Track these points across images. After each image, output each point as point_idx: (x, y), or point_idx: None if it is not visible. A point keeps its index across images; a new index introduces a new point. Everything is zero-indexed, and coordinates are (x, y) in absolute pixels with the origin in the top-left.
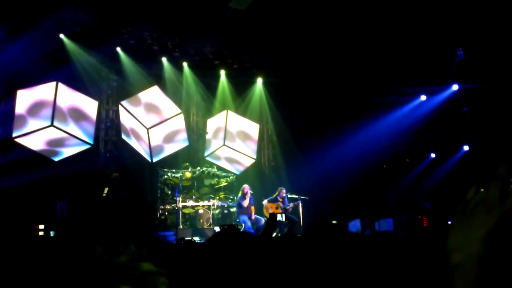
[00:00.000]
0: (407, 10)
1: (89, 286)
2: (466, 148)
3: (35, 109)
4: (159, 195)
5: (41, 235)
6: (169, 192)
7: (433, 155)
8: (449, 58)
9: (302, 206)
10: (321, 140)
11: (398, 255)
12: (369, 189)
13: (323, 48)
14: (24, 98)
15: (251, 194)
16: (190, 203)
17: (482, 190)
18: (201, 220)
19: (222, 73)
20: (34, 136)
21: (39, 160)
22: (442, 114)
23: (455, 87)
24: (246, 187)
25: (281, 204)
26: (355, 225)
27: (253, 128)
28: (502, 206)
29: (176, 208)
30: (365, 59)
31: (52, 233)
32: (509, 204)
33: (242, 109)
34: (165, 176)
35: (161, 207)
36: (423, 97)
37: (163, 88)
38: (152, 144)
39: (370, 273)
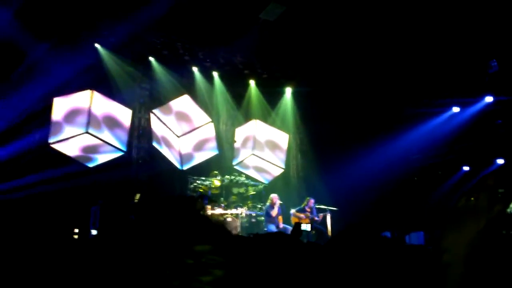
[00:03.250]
0: (442, 22)
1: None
2: (500, 161)
3: (71, 116)
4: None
5: (75, 238)
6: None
7: (466, 168)
8: (483, 69)
9: (330, 217)
10: (350, 151)
11: (426, 268)
12: (399, 202)
13: (354, 58)
14: (61, 106)
15: (280, 204)
16: (219, 211)
17: (472, 199)
18: (229, 228)
19: (252, 82)
20: (69, 143)
21: (74, 166)
22: (476, 126)
23: (489, 98)
24: (275, 197)
25: (309, 214)
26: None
27: (282, 138)
28: (489, 214)
29: (204, 215)
30: (398, 70)
31: (94, 232)
32: (495, 212)
33: (271, 118)
34: (195, 184)
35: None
36: (456, 109)
37: (194, 97)
38: (182, 152)
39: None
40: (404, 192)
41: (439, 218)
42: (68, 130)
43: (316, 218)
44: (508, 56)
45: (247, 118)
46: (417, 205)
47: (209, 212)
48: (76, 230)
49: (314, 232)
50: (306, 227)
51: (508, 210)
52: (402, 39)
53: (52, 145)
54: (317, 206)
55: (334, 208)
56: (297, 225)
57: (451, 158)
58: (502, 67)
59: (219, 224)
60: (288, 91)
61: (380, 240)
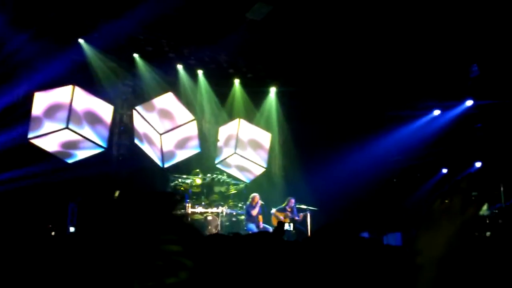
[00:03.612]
0: (424, 25)
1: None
2: (478, 164)
3: (51, 111)
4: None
5: (52, 234)
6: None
7: (444, 171)
8: (464, 73)
9: (310, 217)
10: (332, 151)
11: (405, 270)
12: (378, 203)
13: (337, 60)
14: (41, 100)
15: (261, 204)
16: (199, 209)
17: (446, 201)
18: (209, 227)
19: (236, 81)
20: (49, 138)
21: (52, 161)
22: (456, 129)
23: (469, 102)
24: (256, 196)
25: (289, 214)
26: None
27: (264, 137)
28: (463, 216)
29: (185, 214)
30: (380, 72)
31: (72, 229)
32: (469, 214)
33: (255, 118)
34: (176, 182)
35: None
36: (437, 112)
37: (178, 94)
38: (164, 150)
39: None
40: (383, 193)
41: (417, 220)
42: (48, 125)
43: (296, 218)
44: (489, 61)
45: (230, 117)
46: (396, 206)
47: (190, 210)
48: (52, 227)
49: (294, 231)
50: (288, 226)
51: (481, 212)
52: (385, 42)
53: (31, 140)
54: (298, 206)
55: (314, 208)
56: (281, 224)
57: (431, 160)
58: (483, 71)
59: (191, 224)
60: (273, 91)
61: (356, 239)
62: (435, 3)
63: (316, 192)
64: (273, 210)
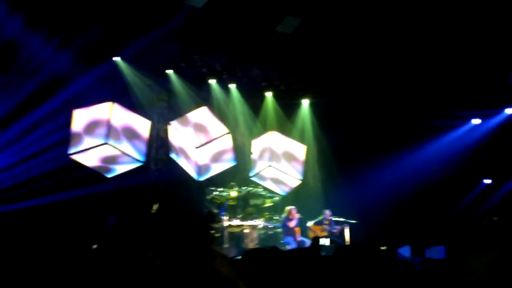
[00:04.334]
0: (462, 32)
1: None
2: None
3: (90, 127)
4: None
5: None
6: (215, 211)
7: (487, 181)
8: (504, 81)
9: (349, 230)
10: (369, 162)
11: (449, 284)
12: (419, 215)
13: (372, 69)
14: (81, 117)
15: (298, 217)
16: (236, 222)
17: (494, 218)
18: (246, 240)
19: (269, 94)
20: (89, 153)
21: (92, 177)
22: (496, 138)
23: (509, 110)
24: (293, 209)
25: (326, 227)
26: (404, 252)
27: (299, 149)
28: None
29: (221, 226)
30: (416, 81)
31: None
32: None
33: (288, 130)
34: (212, 195)
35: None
36: (477, 121)
37: (211, 109)
38: (199, 163)
39: None
40: (424, 205)
41: (460, 232)
42: (87, 141)
43: (333, 231)
44: None
45: (264, 129)
46: (438, 218)
47: (226, 223)
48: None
49: (332, 245)
50: (324, 241)
51: None
52: (422, 50)
53: (72, 156)
54: (335, 219)
55: (353, 221)
56: (316, 239)
57: (472, 170)
58: None
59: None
60: (305, 103)
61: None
62: (473, 9)
63: (354, 205)
64: (310, 223)
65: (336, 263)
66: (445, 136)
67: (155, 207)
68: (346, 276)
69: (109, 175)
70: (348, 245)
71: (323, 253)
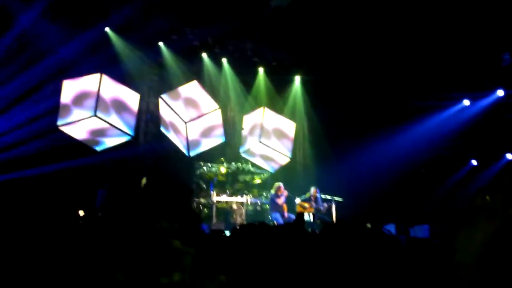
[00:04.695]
0: (455, 13)
1: (121, 256)
2: (509, 156)
3: (79, 99)
4: (194, 189)
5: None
6: (204, 186)
7: (474, 162)
8: (495, 62)
9: (335, 207)
10: (357, 141)
11: (433, 263)
12: (405, 194)
13: (363, 49)
14: (70, 88)
15: (287, 195)
16: (224, 198)
17: (487, 198)
18: (234, 216)
19: (261, 70)
20: (77, 126)
21: (81, 149)
22: (486, 120)
23: (500, 92)
24: (282, 187)
25: (314, 204)
26: (389, 230)
27: (289, 126)
28: (504, 214)
29: (210, 202)
30: (408, 61)
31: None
32: (510, 213)
33: (279, 106)
34: (201, 170)
35: (195, 200)
36: (466, 102)
37: (202, 83)
38: (189, 138)
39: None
40: (410, 184)
41: (445, 212)
42: (76, 113)
43: (321, 208)
44: None
45: (255, 105)
46: (423, 197)
47: (215, 198)
48: (82, 213)
49: (318, 222)
50: (309, 217)
51: None
52: (415, 30)
53: (60, 128)
54: (323, 196)
55: (340, 199)
56: (300, 215)
57: (460, 151)
58: None
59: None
60: (297, 79)
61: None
62: None
63: (341, 183)
64: (298, 200)
65: (323, 239)
66: (436, 116)
67: (144, 180)
68: (333, 252)
69: (98, 148)
70: (334, 222)
71: (308, 229)
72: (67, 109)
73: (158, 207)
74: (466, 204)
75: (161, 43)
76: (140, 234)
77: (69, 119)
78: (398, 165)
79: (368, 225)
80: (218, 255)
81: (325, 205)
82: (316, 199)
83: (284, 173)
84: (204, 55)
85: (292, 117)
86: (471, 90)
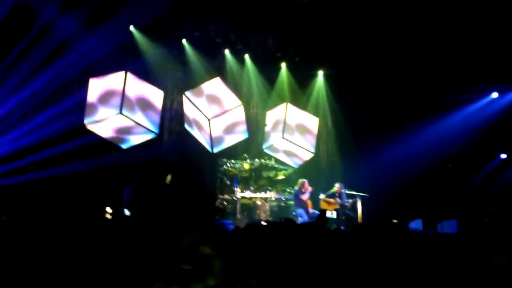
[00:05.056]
0: (483, 3)
1: (155, 265)
2: None
3: (105, 97)
4: (218, 185)
5: (109, 218)
6: (228, 182)
7: (503, 156)
8: None
9: (361, 203)
10: (382, 136)
11: (461, 258)
12: (432, 189)
13: (388, 42)
14: (96, 87)
15: (311, 190)
16: (248, 194)
17: None
18: (258, 211)
19: (283, 65)
20: (104, 124)
21: (108, 147)
22: None
23: None
24: (306, 183)
25: (338, 200)
26: (416, 226)
27: (312, 122)
28: None
29: (234, 198)
30: (434, 54)
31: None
32: None
33: (302, 102)
34: (225, 167)
35: (219, 196)
36: (495, 95)
37: (225, 79)
38: (213, 135)
39: (428, 274)
40: (437, 179)
41: (474, 207)
42: (102, 111)
43: (346, 204)
44: None
45: (278, 101)
46: (451, 192)
47: (239, 195)
48: (109, 210)
49: (344, 218)
50: (332, 214)
51: None
52: (442, 22)
53: (87, 126)
54: (347, 192)
55: (365, 194)
56: (323, 212)
57: (488, 145)
58: None
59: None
60: (320, 74)
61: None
62: None
63: (367, 178)
64: (322, 196)
65: (351, 238)
66: (463, 109)
67: (169, 178)
68: (360, 251)
69: (124, 146)
70: (360, 219)
71: (332, 225)
72: (93, 107)
73: (184, 214)
74: (501, 206)
75: (184, 41)
76: (169, 242)
77: (95, 118)
78: (425, 160)
79: (395, 221)
80: (246, 256)
81: (350, 200)
82: (340, 194)
83: (308, 169)
84: (227, 52)
85: (315, 112)
86: (500, 82)
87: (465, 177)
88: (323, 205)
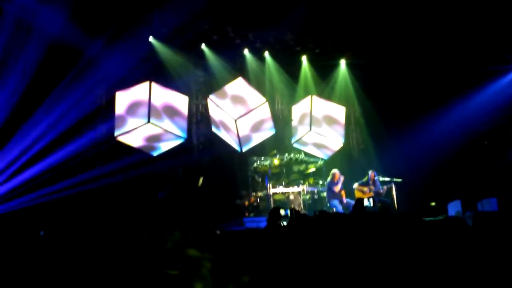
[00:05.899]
0: None
1: (140, 271)
2: None
3: (132, 108)
4: (250, 183)
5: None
6: (259, 180)
7: None
8: None
9: (395, 189)
10: (412, 119)
11: (504, 236)
12: (469, 168)
13: (412, 21)
14: (123, 99)
15: (343, 180)
16: (280, 189)
17: None
18: (292, 206)
19: (304, 58)
20: (133, 134)
21: (139, 156)
22: None
23: None
24: (337, 172)
25: (373, 188)
26: (455, 207)
27: (339, 112)
28: None
29: (267, 194)
30: (461, 23)
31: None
32: None
33: (327, 93)
34: (255, 165)
35: (252, 194)
36: None
37: (247, 79)
38: (240, 135)
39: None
40: (473, 157)
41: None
42: (131, 122)
43: (380, 191)
44: None
45: (302, 94)
46: (489, 170)
47: (271, 190)
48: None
49: (379, 205)
50: (368, 202)
51: None
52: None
53: (118, 138)
54: (381, 179)
55: (399, 180)
56: (359, 201)
57: None
58: None
59: None
60: (342, 63)
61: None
62: None
63: (400, 163)
64: (355, 185)
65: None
66: (494, 83)
67: (201, 180)
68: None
69: (155, 153)
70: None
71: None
72: (122, 119)
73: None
74: None
75: (203, 45)
76: (152, 246)
77: (125, 129)
78: (458, 140)
79: (433, 204)
80: (239, 256)
81: (384, 187)
82: (374, 182)
83: (340, 159)
84: (246, 51)
85: (341, 101)
86: None
87: (501, 153)
88: (357, 194)
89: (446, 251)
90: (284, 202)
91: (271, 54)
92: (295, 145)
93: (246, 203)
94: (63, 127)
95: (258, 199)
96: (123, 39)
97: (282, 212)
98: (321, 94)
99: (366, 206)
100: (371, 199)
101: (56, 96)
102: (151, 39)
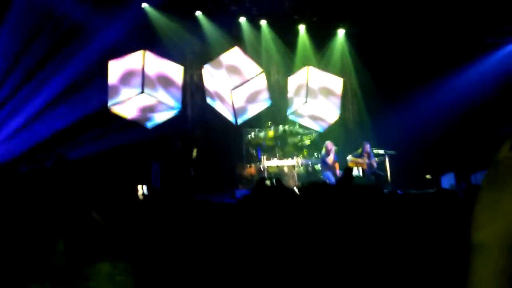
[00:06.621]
0: None
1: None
2: None
3: (126, 78)
4: (244, 155)
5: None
6: (254, 152)
7: None
8: None
9: (389, 161)
10: (408, 91)
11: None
12: (463, 139)
13: None
14: (115, 69)
15: (335, 150)
16: (275, 162)
17: None
18: (286, 179)
19: (302, 27)
20: (127, 104)
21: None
22: None
23: None
24: (329, 144)
25: (366, 160)
26: (448, 179)
27: (336, 83)
28: None
29: (261, 167)
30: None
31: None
32: None
33: (324, 63)
34: (249, 136)
35: (247, 166)
36: None
37: (243, 48)
38: (235, 106)
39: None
40: (468, 130)
41: None
42: (124, 92)
43: (373, 164)
44: None
45: (299, 65)
46: (483, 142)
47: (266, 163)
48: (140, 187)
49: (373, 177)
50: (358, 172)
51: None
52: None
53: (111, 108)
54: (375, 151)
55: (392, 152)
56: (348, 170)
57: None
58: None
59: None
60: (340, 33)
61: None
62: None
63: (394, 135)
64: (349, 157)
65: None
66: (492, 55)
67: (195, 152)
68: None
69: (149, 124)
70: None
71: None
72: (115, 89)
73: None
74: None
75: (198, 13)
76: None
77: (118, 99)
78: (453, 112)
79: (428, 176)
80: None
81: (377, 159)
82: (368, 154)
83: (334, 131)
84: (242, 19)
85: (338, 73)
86: None
87: (497, 124)
88: (351, 166)
89: (436, 225)
90: (279, 175)
91: (268, 23)
92: (290, 117)
93: (241, 175)
94: (53, 96)
95: (252, 171)
96: (115, 5)
97: (267, 183)
98: (318, 65)
99: (356, 176)
100: (360, 169)
101: (45, 66)
102: (144, 5)
